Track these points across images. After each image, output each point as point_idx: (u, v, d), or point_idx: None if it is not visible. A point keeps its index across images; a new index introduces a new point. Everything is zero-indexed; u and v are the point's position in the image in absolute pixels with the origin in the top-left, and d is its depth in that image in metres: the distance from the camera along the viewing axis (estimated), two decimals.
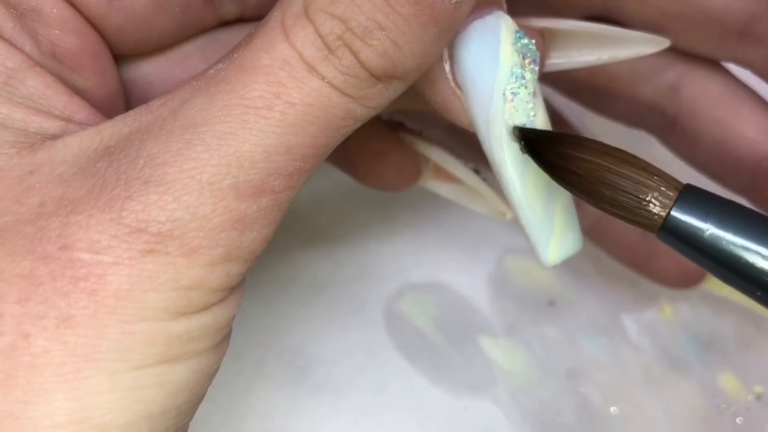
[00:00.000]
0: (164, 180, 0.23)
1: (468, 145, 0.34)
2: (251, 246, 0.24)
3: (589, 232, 0.39)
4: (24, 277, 0.23)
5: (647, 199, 0.24)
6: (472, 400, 0.39)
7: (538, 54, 0.26)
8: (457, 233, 0.42)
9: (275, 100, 0.23)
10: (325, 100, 0.24)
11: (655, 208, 0.24)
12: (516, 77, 0.26)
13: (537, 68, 0.26)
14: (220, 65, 0.25)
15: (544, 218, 0.27)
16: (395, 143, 0.33)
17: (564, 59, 0.29)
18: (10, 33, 0.26)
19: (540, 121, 0.26)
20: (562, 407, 0.39)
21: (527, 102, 0.26)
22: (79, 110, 0.26)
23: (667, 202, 0.24)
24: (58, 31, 0.27)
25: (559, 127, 0.39)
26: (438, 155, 0.34)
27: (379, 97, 0.24)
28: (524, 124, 0.26)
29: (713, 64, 0.34)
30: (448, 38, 0.24)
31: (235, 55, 0.24)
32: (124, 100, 0.29)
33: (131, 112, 0.25)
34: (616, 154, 0.25)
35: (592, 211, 0.38)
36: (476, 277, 0.42)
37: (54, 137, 0.25)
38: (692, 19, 0.32)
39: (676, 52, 0.34)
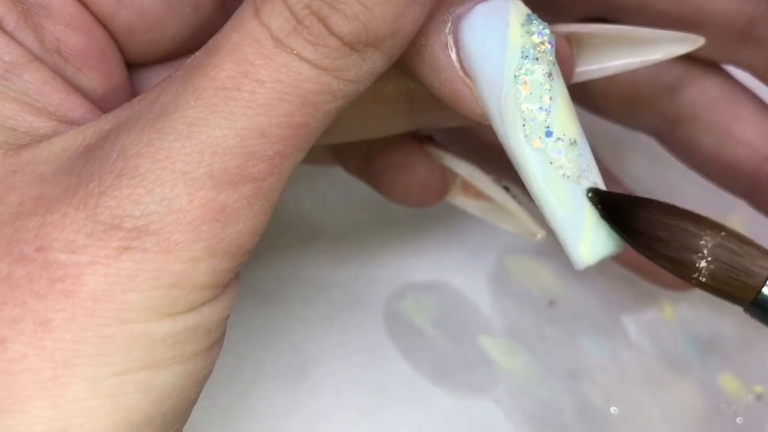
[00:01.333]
0: (137, 172, 0.22)
1: (495, 164, 0.33)
2: (238, 239, 0.23)
3: None
4: (1, 280, 0.22)
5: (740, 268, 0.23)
6: (472, 400, 0.39)
7: (554, 36, 0.25)
8: (457, 233, 0.42)
9: (243, 80, 0.22)
10: (295, 74, 0.23)
11: (749, 279, 0.23)
12: (528, 59, 0.24)
13: (552, 49, 0.25)
14: (198, 52, 0.24)
15: (572, 211, 0.24)
16: (421, 157, 0.32)
17: (593, 66, 0.28)
18: (13, 26, 0.26)
19: (559, 106, 0.25)
20: (562, 407, 0.39)
21: (542, 84, 0.24)
22: (76, 108, 0.26)
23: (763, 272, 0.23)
24: (63, 28, 0.26)
25: None
26: (466, 170, 0.33)
27: (356, 69, 0.23)
28: (540, 108, 0.24)
29: (713, 66, 0.34)
30: (425, 3, 0.23)
31: (209, 41, 0.24)
32: None
33: (113, 111, 0.25)
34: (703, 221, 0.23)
35: None
36: (476, 277, 0.42)
37: (43, 138, 0.25)
38: (692, 21, 0.32)
39: None
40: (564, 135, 0.24)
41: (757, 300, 0.23)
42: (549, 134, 0.24)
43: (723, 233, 0.23)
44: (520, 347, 0.40)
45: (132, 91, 0.29)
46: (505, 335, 0.40)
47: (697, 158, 0.35)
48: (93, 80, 0.27)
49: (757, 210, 0.35)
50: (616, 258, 0.38)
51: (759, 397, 0.40)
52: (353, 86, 0.24)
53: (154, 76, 0.29)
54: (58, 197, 0.23)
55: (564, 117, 0.25)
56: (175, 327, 0.23)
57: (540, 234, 0.32)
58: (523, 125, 0.24)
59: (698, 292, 0.40)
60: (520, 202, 0.33)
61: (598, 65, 0.28)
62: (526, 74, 0.24)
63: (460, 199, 0.34)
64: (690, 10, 0.32)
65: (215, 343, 0.25)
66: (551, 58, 0.25)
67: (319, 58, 0.23)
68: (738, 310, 0.40)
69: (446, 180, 0.33)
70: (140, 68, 0.29)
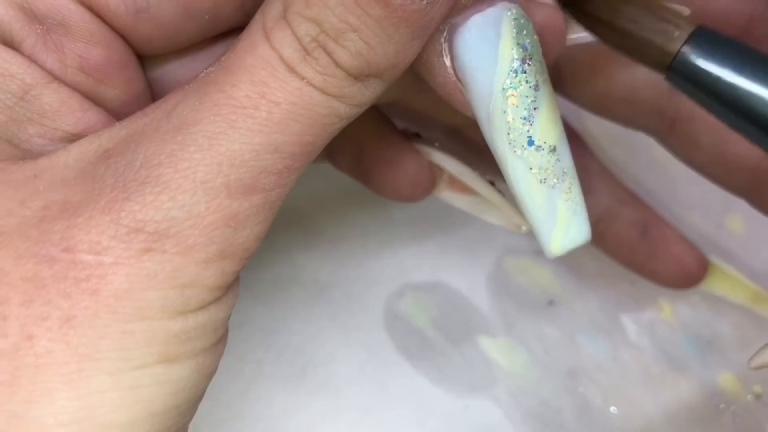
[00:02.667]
0: (160, 180, 0.24)
1: (484, 160, 0.33)
2: (245, 243, 0.25)
3: None
4: (28, 280, 0.23)
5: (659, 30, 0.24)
6: (472, 400, 0.39)
7: (540, 50, 0.26)
8: (457, 233, 0.42)
9: (260, 100, 0.24)
10: (308, 98, 0.24)
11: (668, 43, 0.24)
12: (517, 72, 0.26)
13: (539, 63, 0.26)
14: (210, 68, 0.25)
15: (547, 209, 0.27)
16: (410, 153, 0.34)
17: (584, 32, 0.29)
18: (31, 48, 0.26)
19: (543, 115, 0.26)
20: (562, 407, 0.39)
21: (527, 97, 0.26)
22: (93, 124, 0.27)
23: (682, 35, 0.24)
24: (84, 44, 0.27)
25: None
26: (453, 166, 0.34)
27: (360, 96, 0.25)
28: (524, 118, 0.26)
29: None
30: (424, 36, 0.25)
31: (222, 58, 0.25)
32: (152, 101, 0.29)
33: (128, 118, 0.26)
34: None
35: (591, 211, 0.38)
36: (476, 277, 0.42)
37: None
38: (691, 20, 0.32)
39: None
40: (544, 143, 0.26)
41: (673, 65, 0.25)
42: (530, 143, 0.26)
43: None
44: (520, 347, 0.40)
45: (152, 93, 0.30)
46: (504, 335, 0.41)
47: (697, 158, 0.35)
48: (114, 89, 0.28)
49: (756, 209, 0.35)
50: (618, 258, 0.39)
51: (758, 396, 0.40)
52: (357, 109, 0.25)
53: (170, 70, 0.30)
54: (83, 202, 0.24)
55: (546, 125, 0.26)
56: (187, 324, 0.25)
57: (525, 227, 0.33)
58: (508, 134, 0.26)
59: (698, 292, 0.41)
60: (504, 196, 0.34)
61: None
62: (514, 87, 0.26)
63: (447, 194, 0.35)
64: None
65: (221, 340, 0.26)
66: (538, 69, 0.26)
67: (328, 86, 0.24)
68: (737, 309, 0.41)
69: (434, 175, 0.34)
70: (155, 60, 0.30)
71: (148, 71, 0.29)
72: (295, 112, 0.24)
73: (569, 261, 0.42)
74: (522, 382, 0.40)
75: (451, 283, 0.42)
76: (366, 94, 0.25)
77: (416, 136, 0.34)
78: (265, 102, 0.24)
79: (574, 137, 0.39)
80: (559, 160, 0.27)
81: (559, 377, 0.40)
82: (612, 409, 0.39)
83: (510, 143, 0.26)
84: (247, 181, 0.24)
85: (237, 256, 0.25)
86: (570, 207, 0.27)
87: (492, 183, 0.34)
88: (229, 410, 0.38)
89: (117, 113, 0.28)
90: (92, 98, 0.28)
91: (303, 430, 0.38)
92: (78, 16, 0.27)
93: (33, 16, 0.26)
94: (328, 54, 0.24)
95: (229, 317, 0.27)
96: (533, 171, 0.26)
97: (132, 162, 0.24)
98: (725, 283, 0.40)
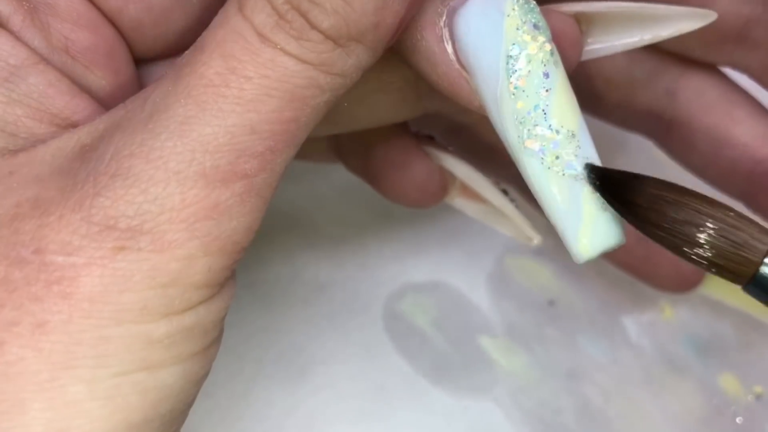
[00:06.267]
0: (131, 172, 0.22)
1: (495, 164, 0.33)
2: (233, 236, 0.23)
3: None
4: None
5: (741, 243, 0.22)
6: (472, 400, 0.39)
7: (549, 31, 0.25)
8: (456, 233, 0.42)
9: (231, 76, 0.23)
10: (282, 69, 0.23)
11: (749, 253, 0.22)
12: (524, 51, 0.24)
13: (549, 39, 0.25)
14: (187, 51, 0.24)
15: (570, 205, 0.24)
16: (420, 157, 0.32)
17: (603, 44, 0.27)
18: (19, 26, 0.25)
19: (557, 98, 0.24)
20: (562, 407, 0.39)
21: (537, 78, 0.24)
22: (81, 111, 0.26)
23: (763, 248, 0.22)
24: (71, 26, 0.26)
25: None
26: (465, 172, 0.32)
27: (342, 63, 0.23)
28: (536, 103, 0.24)
29: (709, 68, 0.34)
30: None
31: (198, 38, 0.24)
32: None
33: (109, 111, 0.25)
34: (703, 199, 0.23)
35: None
36: (476, 277, 0.42)
37: (42, 142, 0.25)
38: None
39: (671, 56, 0.34)
40: (562, 127, 0.24)
41: (757, 277, 0.22)
42: (546, 128, 0.24)
43: (724, 209, 0.23)
44: (520, 347, 0.40)
45: (140, 87, 0.29)
46: (504, 335, 0.41)
47: (694, 160, 0.35)
48: (101, 78, 0.27)
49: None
50: (615, 262, 0.39)
51: (759, 397, 0.40)
52: (340, 80, 0.24)
53: (161, 71, 0.29)
54: (54, 199, 0.23)
55: (563, 108, 0.24)
56: (171, 327, 0.23)
57: (536, 239, 0.32)
58: (519, 121, 0.24)
59: (698, 293, 0.41)
60: (518, 206, 0.32)
61: (608, 43, 0.27)
62: (521, 69, 0.24)
63: (459, 201, 0.33)
64: None
65: (212, 344, 0.25)
66: (549, 48, 0.25)
67: (304, 53, 0.23)
68: (737, 311, 0.41)
69: (445, 181, 0.33)
70: (148, 62, 0.29)
71: (142, 77, 0.29)
72: (269, 86, 0.23)
73: (569, 261, 0.42)
74: (522, 383, 0.40)
75: (452, 283, 0.42)
76: (348, 61, 0.23)
77: (429, 139, 0.33)
78: (236, 78, 0.23)
79: None
80: (580, 148, 0.24)
81: (559, 377, 0.40)
82: (612, 409, 0.39)
83: (521, 131, 0.24)
84: (225, 167, 0.23)
85: (225, 251, 0.23)
86: (596, 201, 0.24)
87: (505, 191, 0.33)
88: (229, 410, 0.38)
89: (105, 105, 0.27)
90: (79, 85, 0.26)
91: (303, 430, 0.38)
92: None
93: None
94: (303, 15, 0.22)
95: (223, 318, 0.25)
96: (549, 159, 0.24)
97: (103, 154, 0.23)
98: (724, 287, 0.40)
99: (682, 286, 0.39)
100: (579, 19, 0.27)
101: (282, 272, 0.41)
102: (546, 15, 0.25)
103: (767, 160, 0.33)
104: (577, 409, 0.39)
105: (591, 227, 0.24)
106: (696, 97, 0.34)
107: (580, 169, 0.24)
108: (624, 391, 0.40)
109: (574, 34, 0.26)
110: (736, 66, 0.33)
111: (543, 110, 0.24)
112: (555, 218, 0.24)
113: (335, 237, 0.42)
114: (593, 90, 0.35)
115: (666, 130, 0.35)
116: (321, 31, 0.23)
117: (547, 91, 0.24)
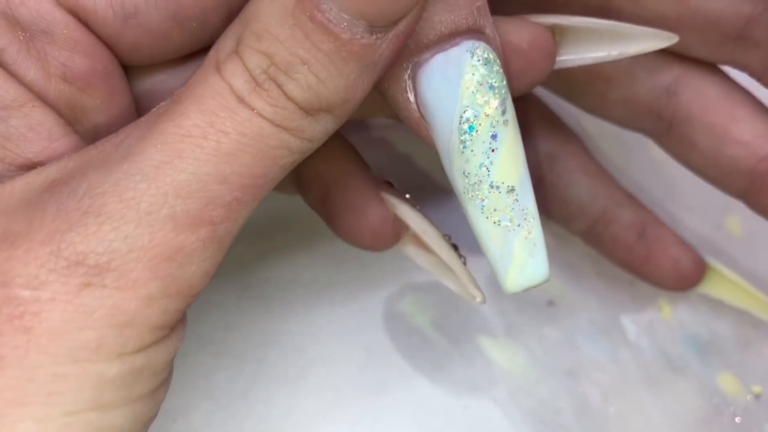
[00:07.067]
0: (103, 210, 0.23)
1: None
2: (191, 280, 0.24)
3: (586, 235, 0.39)
4: None
5: None
6: (472, 400, 0.39)
7: (508, 94, 0.26)
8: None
9: (209, 129, 0.24)
10: (257, 129, 0.24)
11: None
12: (476, 113, 0.26)
13: (504, 102, 0.26)
14: (163, 102, 0.25)
15: (502, 249, 0.27)
16: (375, 202, 0.32)
17: (573, 55, 0.29)
18: (14, 59, 0.26)
19: (503, 156, 0.26)
20: (561, 407, 0.39)
21: (485, 139, 0.26)
22: (57, 156, 0.26)
23: None
24: (68, 53, 0.26)
25: (553, 130, 0.39)
26: (417, 223, 0.32)
27: (311, 130, 0.25)
28: (481, 162, 0.26)
29: (710, 66, 0.34)
30: (374, 73, 0.24)
31: (175, 92, 0.25)
32: (137, 116, 0.29)
33: (80, 151, 0.25)
34: None
35: (589, 214, 0.39)
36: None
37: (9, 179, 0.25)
38: (689, 21, 0.32)
39: (672, 54, 0.34)
40: (503, 183, 0.26)
41: None
42: (487, 183, 0.27)
43: None
44: (519, 347, 0.40)
45: (135, 106, 0.29)
46: (504, 335, 0.41)
47: (694, 159, 0.35)
48: (96, 99, 0.27)
49: (754, 211, 0.35)
50: (615, 260, 0.39)
51: (758, 396, 0.40)
52: (308, 144, 0.25)
53: (155, 83, 0.29)
54: (22, 231, 0.23)
55: (506, 166, 0.26)
56: (123, 367, 0.23)
57: (479, 298, 0.32)
58: (465, 174, 0.26)
59: (697, 292, 0.41)
60: (465, 263, 0.33)
61: (579, 55, 0.29)
62: (472, 128, 0.26)
63: (410, 249, 0.34)
64: (687, 11, 0.32)
65: (161, 385, 0.25)
66: (502, 110, 0.26)
67: (278, 118, 0.24)
68: (736, 310, 0.41)
69: (398, 228, 0.33)
70: (141, 72, 0.29)
71: (135, 85, 0.29)
72: (244, 143, 0.24)
73: (569, 261, 0.42)
74: (522, 383, 0.40)
75: None
76: (317, 128, 0.25)
77: (387, 185, 0.33)
78: (214, 131, 0.24)
79: (572, 138, 0.39)
80: (517, 201, 0.27)
81: (559, 377, 0.40)
82: (611, 409, 0.39)
83: (466, 184, 0.26)
84: (194, 213, 0.23)
85: (182, 293, 0.24)
86: (526, 248, 0.27)
87: (455, 246, 0.33)
88: (228, 410, 0.38)
89: (100, 126, 0.27)
90: (75, 109, 0.27)
91: (303, 430, 0.38)
92: (63, 23, 0.26)
93: (16, 23, 0.26)
94: (279, 86, 0.24)
95: (171, 361, 0.25)
96: (488, 211, 0.27)
97: (75, 190, 0.23)
98: (723, 287, 0.40)
99: (682, 283, 0.39)
100: (554, 30, 0.28)
101: (282, 272, 0.41)
102: (522, 25, 0.27)
103: None
104: (577, 409, 0.39)
105: (519, 269, 0.27)
106: (696, 96, 0.34)
107: (513, 222, 0.27)
108: (623, 391, 0.40)
109: (548, 45, 0.28)
110: (736, 64, 0.33)
111: (487, 168, 0.26)
112: (490, 259, 0.27)
113: (335, 237, 0.42)
114: (594, 89, 0.35)
115: (666, 129, 0.35)
116: (295, 102, 0.24)
117: (493, 150, 0.26)
